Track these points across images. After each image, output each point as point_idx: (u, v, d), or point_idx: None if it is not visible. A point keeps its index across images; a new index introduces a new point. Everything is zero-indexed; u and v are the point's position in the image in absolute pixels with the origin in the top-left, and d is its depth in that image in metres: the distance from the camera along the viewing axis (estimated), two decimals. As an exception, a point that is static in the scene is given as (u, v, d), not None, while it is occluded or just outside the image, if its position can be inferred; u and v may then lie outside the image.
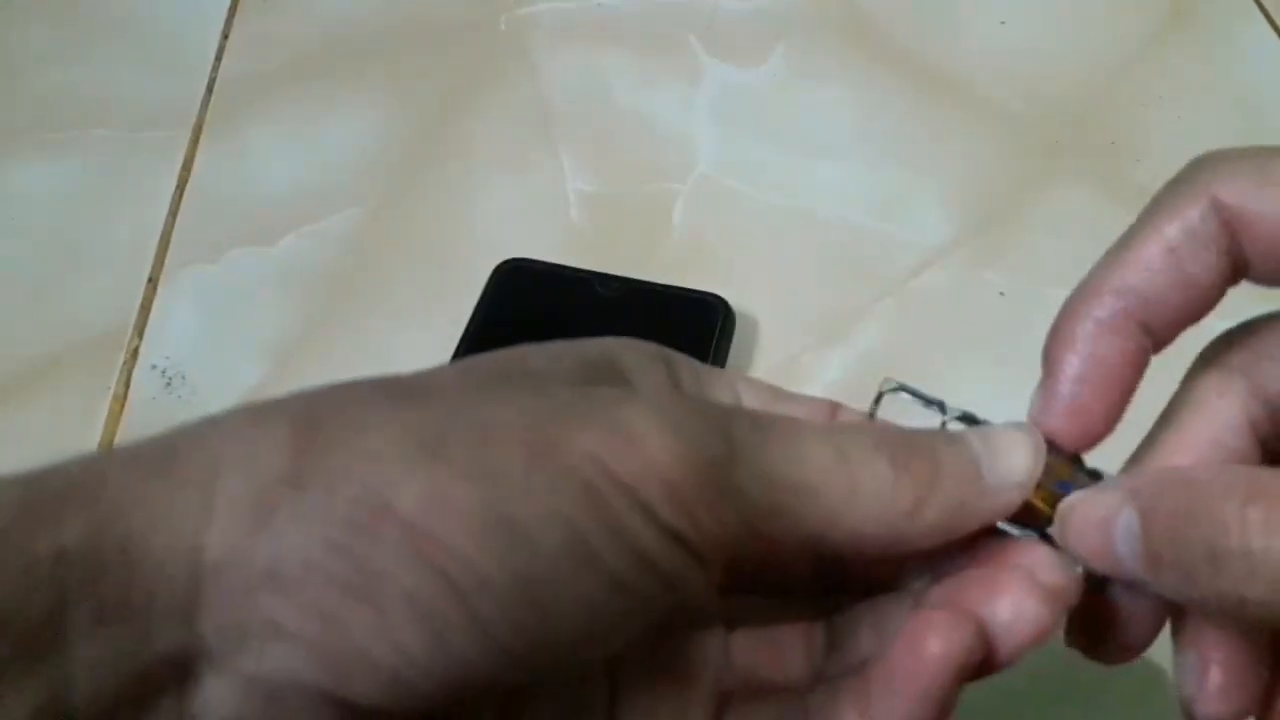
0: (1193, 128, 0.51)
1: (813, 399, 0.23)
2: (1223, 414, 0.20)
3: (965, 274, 0.46)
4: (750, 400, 0.22)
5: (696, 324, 0.42)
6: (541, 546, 0.15)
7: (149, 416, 0.42)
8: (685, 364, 0.21)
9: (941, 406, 0.22)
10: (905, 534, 0.18)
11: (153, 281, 0.47)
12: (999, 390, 0.43)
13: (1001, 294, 0.45)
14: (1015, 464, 0.19)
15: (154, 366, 0.44)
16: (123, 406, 0.43)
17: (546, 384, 0.18)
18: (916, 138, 0.51)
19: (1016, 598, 0.18)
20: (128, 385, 0.43)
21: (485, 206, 0.49)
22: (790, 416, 0.19)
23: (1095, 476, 0.21)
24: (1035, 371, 0.45)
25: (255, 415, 0.17)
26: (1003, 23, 0.57)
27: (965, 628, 0.18)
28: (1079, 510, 0.19)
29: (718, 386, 0.21)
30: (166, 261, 0.48)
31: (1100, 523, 0.18)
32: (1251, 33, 0.55)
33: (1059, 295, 0.48)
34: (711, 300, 0.43)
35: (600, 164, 0.51)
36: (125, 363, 0.44)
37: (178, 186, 0.51)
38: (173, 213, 0.50)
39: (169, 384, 0.43)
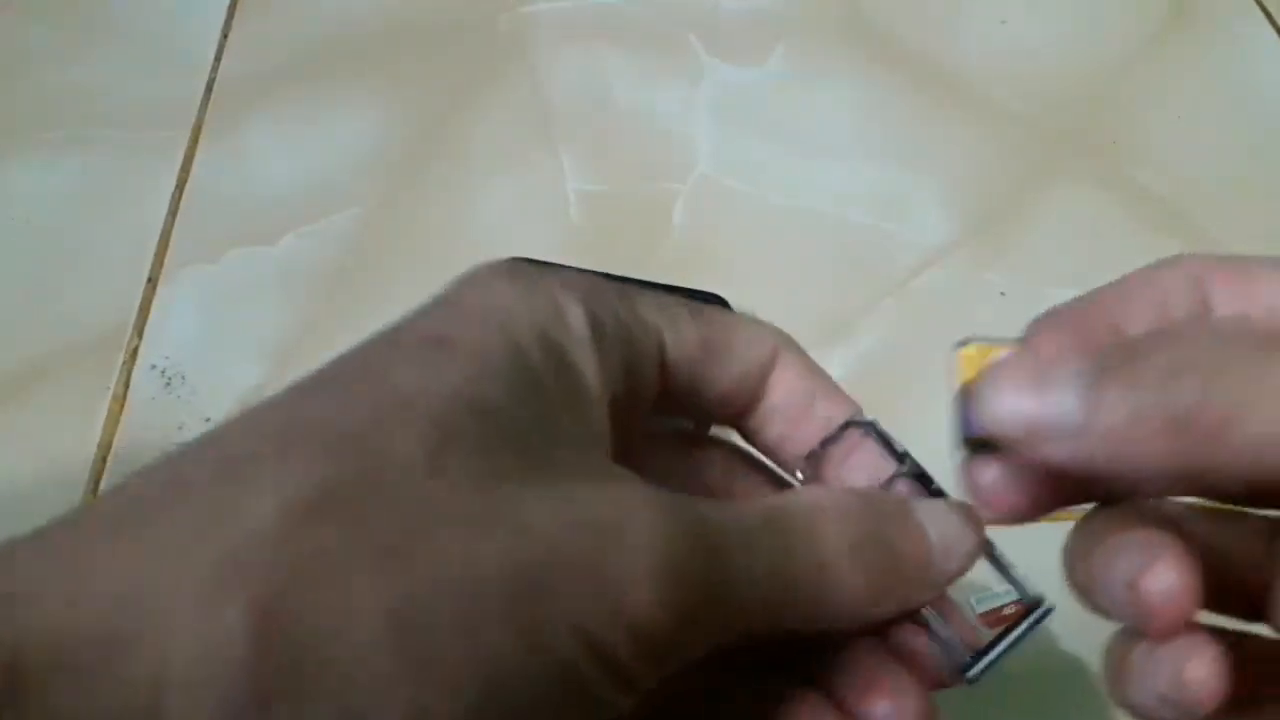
0: (1194, 128, 0.51)
1: (754, 332, 0.21)
2: (1169, 282, 0.19)
3: (966, 274, 0.46)
4: (685, 334, 0.20)
5: (696, 324, 0.42)
6: None
7: (148, 417, 0.42)
8: (612, 318, 0.19)
9: (902, 458, 0.21)
10: (857, 623, 0.19)
11: (152, 281, 0.47)
12: (999, 390, 0.43)
13: (1002, 294, 0.45)
14: (961, 559, 0.19)
15: (153, 367, 0.44)
16: (122, 407, 0.43)
17: (532, 495, 0.16)
18: (917, 137, 0.51)
19: (907, 701, 0.19)
20: (127, 385, 0.43)
21: (485, 206, 0.49)
22: (766, 512, 0.17)
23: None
24: (1036, 372, 0.45)
25: (207, 592, 0.14)
26: (1003, 22, 0.56)
27: None
28: (1007, 371, 0.18)
29: (644, 331, 0.19)
30: (166, 261, 0.48)
31: (1037, 369, 0.17)
32: (1252, 32, 0.55)
33: (1060, 295, 0.48)
34: (712, 300, 0.42)
35: (600, 164, 0.51)
36: (125, 363, 0.44)
37: (177, 186, 0.50)
38: (172, 213, 0.50)
39: (168, 384, 0.43)
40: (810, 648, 0.19)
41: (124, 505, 0.15)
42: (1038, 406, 0.17)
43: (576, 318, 0.18)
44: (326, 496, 0.14)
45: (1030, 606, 0.20)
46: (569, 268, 0.19)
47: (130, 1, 0.59)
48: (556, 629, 0.14)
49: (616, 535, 0.15)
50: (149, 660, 0.13)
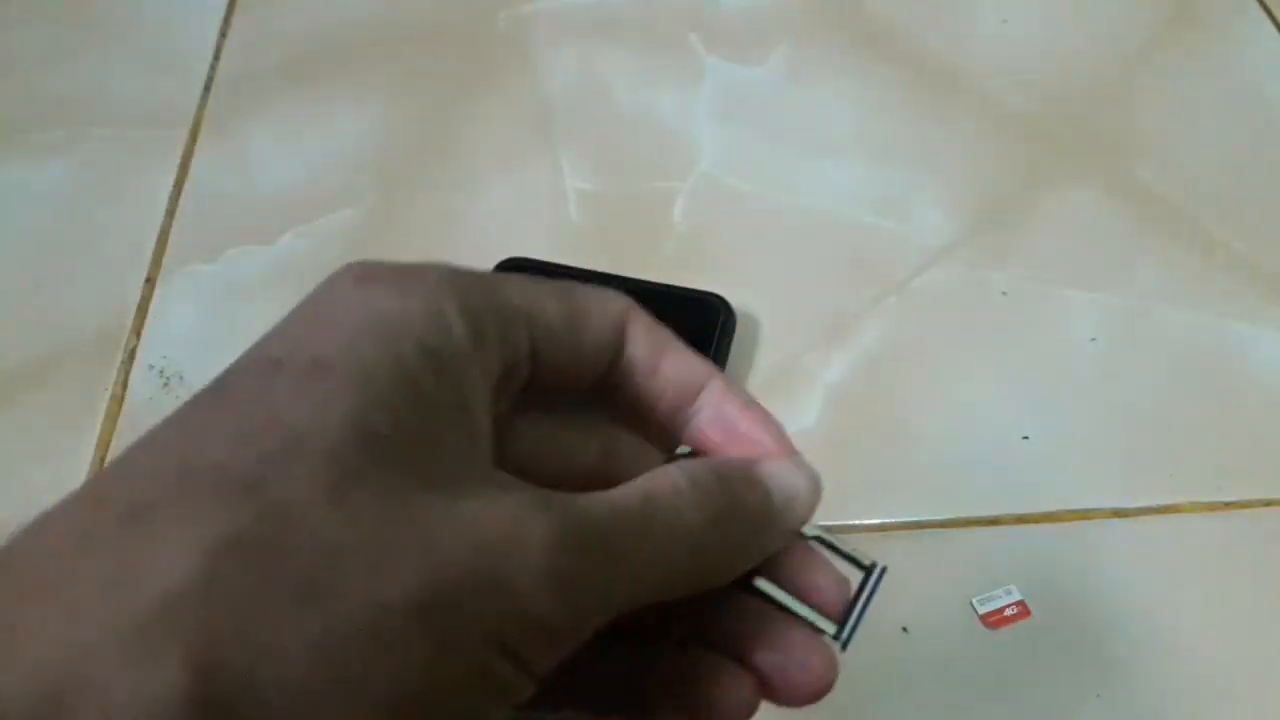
0: (1195, 126, 0.51)
1: (606, 298, 0.21)
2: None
3: (967, 273, 0.46)
4: (549, 312, 0.20)
5: (697, 324, 0.42)
6: None
7: (146, 417, 0.42)
8: (489, 313, 0.19)
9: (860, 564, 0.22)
10: (724, 581, 0.20)
11: (150, 281, 0.47)
12: (1000, 389, 0.43)
13: (1004, 293, 0.45)
14: (802, 509, 0.21)
15: (151, 366, 0.44)
16: (120, 407, 0.43)
17: (436, 511, 0.17)
18: (918, 137, 0.51)
19: (804, 649, 0.20)
20: (125, 385, 0.43)
21: (484, 205, 0.49)
22: (638, 501, 0.19)
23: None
24: (1037, 370, 0.45)
25: (137, 648, 0.14)
26: (1005, 21, 0.56)
27: (748, 683, 0.20)
28: None
29: (515, 318, 0.19)
30: (164, 261, 0.47)
31: None
32: (1253, 30, 0.55)
33: (1061, 294, 0.48)
34: (712, 300, 0.42)
35: (600, 163, 0.51)
36: (123, 363, 0.44)
37: (175, 186, 0.50)
38: (170, 212, 0.49)
39: (166, 384, 0.43)
40: (693, 612, 0.21)
41: (34, 563, 0.15)
42: None
43: (455, 320, 0.18)
44: (234, 544, 0.15)
45: (870, 568, 0.22)
46: (430, 265, 0.19)
47: (128, 2, 0.59)
48: (470, 638, 0.16)
49: (512, 549, 0.16)
50: (94, 716, 0.13)
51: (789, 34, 0.56)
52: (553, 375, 0.20)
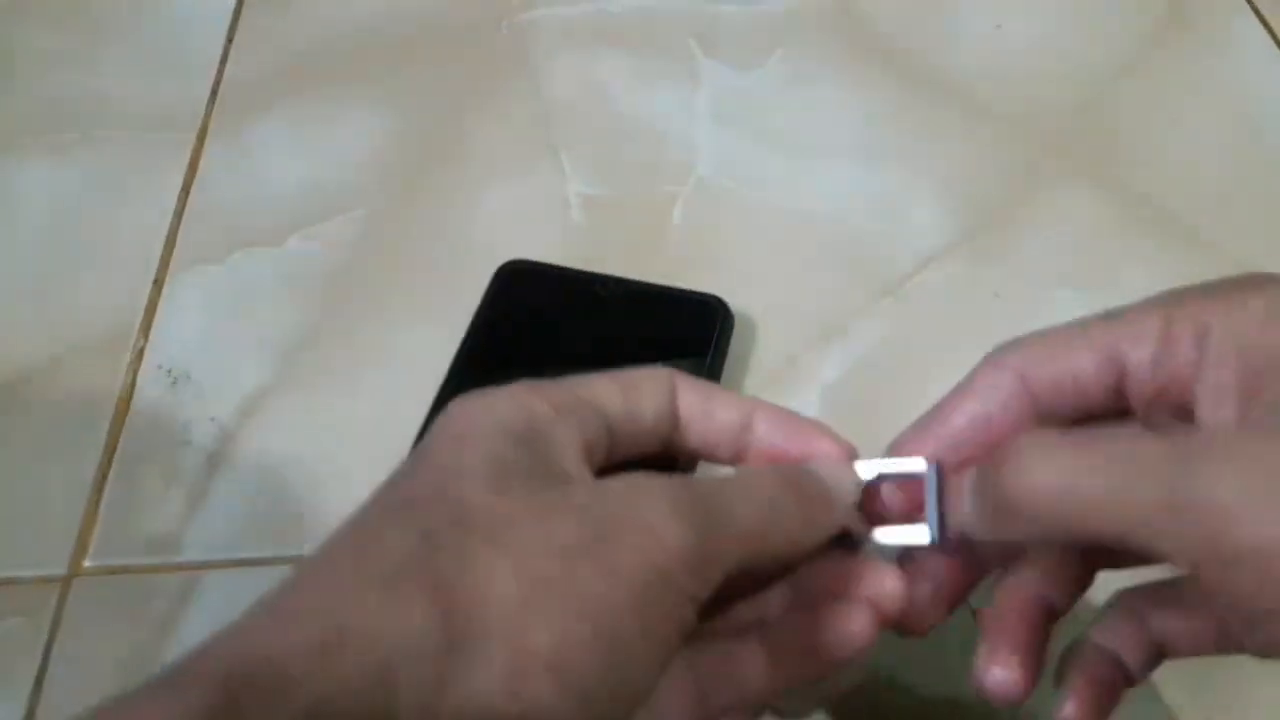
0: (1187, 130, 0.52)
1: (653, 374, 0.28)
2: (991, 395, 0.29)
3: (961, 275, 0.47)
4: (612, 393, 0.26)
5: (696, 325, 0.42)
6: (626, 642, 0.21)
7: (154, 416, 0.43)
8: (567, 401, 0.25)
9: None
10: (805, 546, 0.26)
11: (158, 283, 0.47)
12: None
13: (996, 295, 0.46)
14: (848, 491, 0.27)
15: (159, 367, 0.44)
16: (128, 407, 0.43)
17: (575, 489, 0.23)
18: (914, 140, 0.52)
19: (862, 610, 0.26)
20: (133, 385, 0.44)
21: (487, 209, 0.50)
22: (729, 477, 0.25)
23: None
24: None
25: (387, 593, 0.20)
26: (998, 26, 0.57)
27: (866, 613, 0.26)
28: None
29: (585, 404, 0.26)
30: (172, 263, 0.48)
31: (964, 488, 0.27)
32: (1245, 34, 0.56)
33: (1054, 296, 0.49)
34: (710, 301, 0.43)
35: (601, 166, 0.51)
36: (131, 363, 0.45)
37: (183, 188, 0.51)
38: (178, 214, 0.50)
39: (174, 384, 0.44)
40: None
41: (298, 566, 0.21)
42: (960, 512, 0.27)
43: (538, 405, 0.25)
44: (436, 528, 0.21)
45: (924, 473, 0.28)
46: (518, 384, 0.26)
47: (137, 6, 0.60)
48: (629, 566, 0.21)
49: (641, 497, 0.23)
50: (366, 648, 0.19)
51: (786, 39, 0.57)
52: (630, 441, 0.27)
